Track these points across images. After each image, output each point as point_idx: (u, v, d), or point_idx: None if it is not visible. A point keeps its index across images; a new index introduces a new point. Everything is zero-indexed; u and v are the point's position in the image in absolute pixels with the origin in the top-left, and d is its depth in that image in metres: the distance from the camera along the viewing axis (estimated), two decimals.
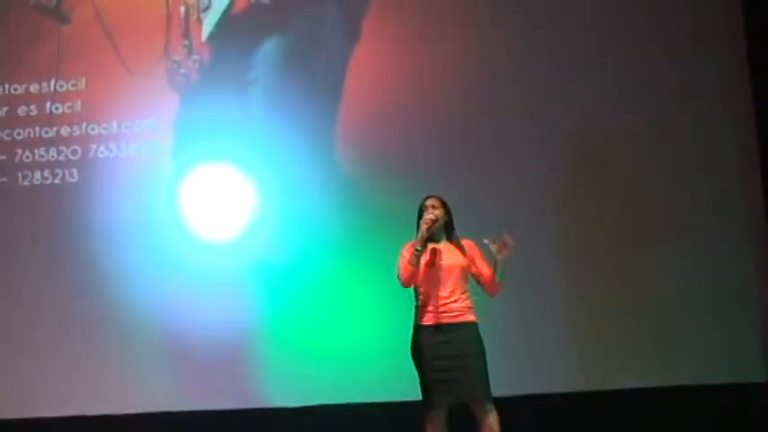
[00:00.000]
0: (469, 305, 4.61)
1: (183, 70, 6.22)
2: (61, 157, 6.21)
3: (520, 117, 5.98)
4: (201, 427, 5.82)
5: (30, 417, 5.89)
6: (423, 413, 4.52)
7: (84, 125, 6.23)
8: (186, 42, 6.23)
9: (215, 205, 6.08)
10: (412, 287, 4.62)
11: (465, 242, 4.69)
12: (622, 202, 5.87)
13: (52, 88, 6.29)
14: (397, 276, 4.59)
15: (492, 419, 4.46)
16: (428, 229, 4.54)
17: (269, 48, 6.17)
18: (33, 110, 6.30)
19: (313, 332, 5.89)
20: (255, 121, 6.11)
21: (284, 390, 5.85)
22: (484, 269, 4.65)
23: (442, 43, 6.06)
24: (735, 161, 5.89)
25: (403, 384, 5.52)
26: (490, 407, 4.47)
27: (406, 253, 4.58)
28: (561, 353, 5.71)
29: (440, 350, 4.50)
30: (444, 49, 6.05)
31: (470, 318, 4.59)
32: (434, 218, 4.58)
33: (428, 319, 4.57)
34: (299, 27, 6.20)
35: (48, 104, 6.28)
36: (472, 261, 4.65)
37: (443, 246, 4.64)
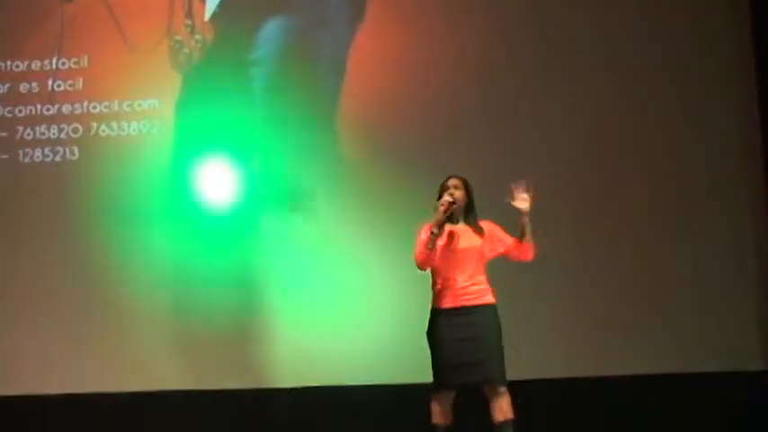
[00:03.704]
0: (488, 287, 4.53)
1: (185, 50, 6.20)
2: (62, 135, 6.20)
3: (523, 101, 5.98)
4: (205, 407, 5.82)
5: (29, 393, 5.91)
6: (430, 393, 4.47)
7: (85, 103, 6.22)
8: (189, 22, 6.21)
9: (215, 185, 6.07)
10: (429, 270, 4.54)
11: (483, 223, 4.60)
12: (625, 195, 5.88)
13: (54, 66, 6.27)
14: (414, 259, 4.51)
15: (505, 402, 4.40)
16: (444, 212, 4.44)
17: (272, 28, 6.15)
18: (35, 87, 6.28)
19: (314, 315, 5.89)
20: (258, 101, 6.10)
21: (283, 370, 5.87)
22: (506, 239, 4.55)
23: (444, 27, 6.05)
24: (737, 154, 5.89)
25: (402, 367, 5.63)
26: (503, 389, 4.41)
27: (423, 235, 4.49)
28: (564, 338, 5.71)
29: (456, 333, 4.43)
30: (447, 33, 6.05)
31: (489, 300, 4.51)
32: (452, 200, 4.48)
33: (446, 303, 4.49)
34: (302, 8, 6.19)
35: (49, 82, 6.26)
36: (490, 241, 4.55)
37: (461, 227, 4.55)
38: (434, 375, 4.48)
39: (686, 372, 5.65)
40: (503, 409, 4.40)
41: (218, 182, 6.08)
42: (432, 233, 4.41)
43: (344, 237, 5.95)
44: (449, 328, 4.45)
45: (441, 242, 4.45)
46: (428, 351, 4.53)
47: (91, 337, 5.98)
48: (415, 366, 5.46)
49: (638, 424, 5.57)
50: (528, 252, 4.55)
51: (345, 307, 5.90)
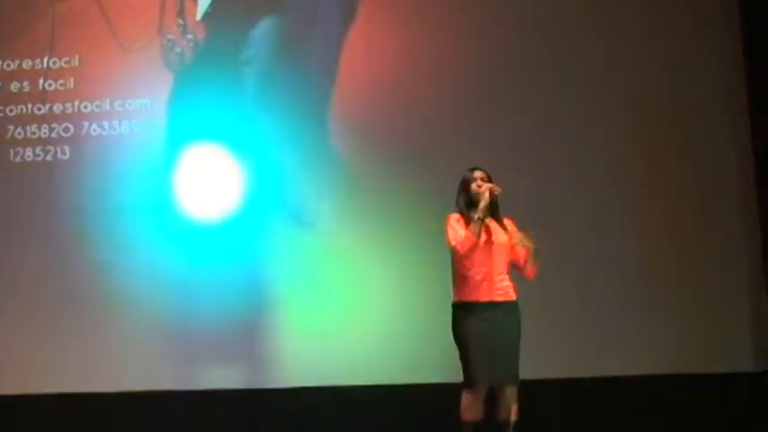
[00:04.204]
0: (513, 284, 4.54)
1: (177, 49, 6.19)
2: (53, 135, 6.18)
3: (518, 100, 5.98)
4: (203, 407, 5.79)
5: (19, 393, 5.87)
6: (462, 388, 4.43)
7: (76, 102, 6.20)
8: (181, 21, 6.20)
9: (208, 185, 6.05)
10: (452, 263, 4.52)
11: (506, 221, 4.62)
12: (613, 195, 5.88)
13: (45, 65, 6.25)
14: (452, 247, 4.45)
15: (515, 405, 4.43)
16: (490, 199, 4.44)
17: (264, 27, 6.14)
18: (26, 86, 6.25)
19: (310, 311, 5.88)
20: (249, 100, 6.09)
21: (280, 371, 5.86)
22: (520, 251, 4.56)
23: (436, 25, 6.06)
24: (729, 155, 5.91)
25: (403, 367, 5.62)
26: (514, 391, 4.43)
27: (456, 224, 4.48)
28: (556, 340, 5.69)
29: (490, 327, 4.41)
30: (438, 31, 6.05)
31: (515, 297, 4.52)
32: (498, 189, 4.46)
33: (480, 296, 4.45)
34: (294, 7, 6.18)
35: (41, 81, 6.24)
36: (511, 241, 4.55)
37: (489, 222, 4.54)
38: (467, 369, 4.42)
39: (680, 373, 5.66)
40: (514, 410, 4.43)
41: (209, 181, 6.06)
42: (478, 218, 4.41)
43: (340, 236, 5.93)
44: (482, 323, 4.42)
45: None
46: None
47: (82, 337, 5.94)
48: (413, 367, 5.51)
49: (635, 424, 5.58)
50: (530, 273, 4.56)
51: (342, 307, 5.88)
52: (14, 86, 6.26)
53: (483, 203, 4.44)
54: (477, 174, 4.57)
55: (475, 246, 4.43)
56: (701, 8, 6.04)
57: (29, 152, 6.18)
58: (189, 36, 6.19)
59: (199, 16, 6.20)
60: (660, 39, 5.97)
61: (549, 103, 5.97)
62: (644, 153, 5.89)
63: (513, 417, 4.44)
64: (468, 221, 4.48)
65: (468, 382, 4.41)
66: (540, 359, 5.56)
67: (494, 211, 4.56)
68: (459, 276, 4.53)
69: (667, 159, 5.88)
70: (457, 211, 4.58)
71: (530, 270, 4.55)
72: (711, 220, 5.86)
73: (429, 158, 5.83)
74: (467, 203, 4.55)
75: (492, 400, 4.48)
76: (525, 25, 6.05)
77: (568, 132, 5.95)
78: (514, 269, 4.61)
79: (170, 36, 6.19)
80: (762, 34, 5.89)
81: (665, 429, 5.55)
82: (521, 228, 4.60)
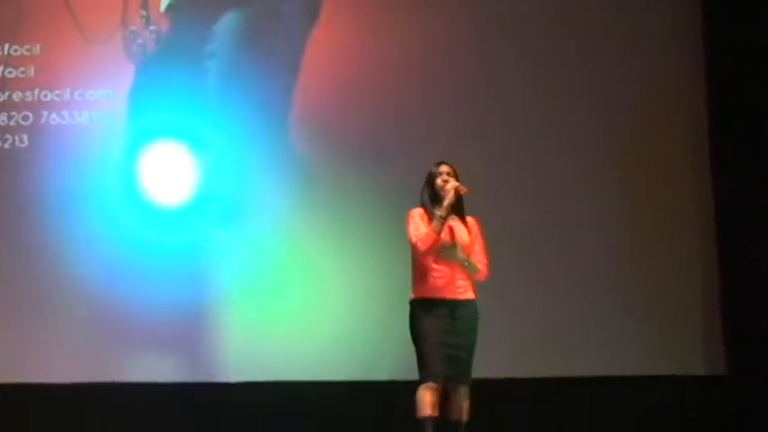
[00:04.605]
0: (473, 282, 4.49)
1: (139, 40, 6.15)
2: (12, 123, 6.11)
3: (480, 95, 6.02)
4: (156, 399, 5.74)
5: None
6: (418, 384, 4.34)
7: (36, 91, 6.15)
8: (144, 12, 6.16)
9: (167, 177, 6.02)
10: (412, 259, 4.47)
11: (470, 219, 4.56)
12: (574, 198, 5.94)
13: (6, 52, 6.18)
14: (412, 244, 4.40)
15: (467, 403, 4.39)
16: (455, 197, 4.38)
17: (228, 21, 6.12)
18: None
19: (264, 307, 5.87)
20: (211, 94, 6.07)
21: (237, 364, 5.84)
22: (476, 251, 4.52)
23: (400, 24, 6.08)
24: (686, 161, 6.01)
25: (360, 363, 5.61)
26: (467, 390, 4.40)
27: (419, 220, 4.43)
28: (516, 341, 5.73)
29: (448, 325, 4.36)
30: (402, 30, 6.07)
31: (473, 295, 4.47)
32: (460, 186, 4.39)
33: (438, 293, 4.40)
34: (258, 2, 6.17)
35: (1, 68, 6.18)
36: (472, 240, 4.51)
37: (452, 220, 4.47)
38: (424, 366, 4.35)
39: (632, 375, 5.73)
40: (466, 409, 4.39)
41: (169, 173, 6.02)
42: (441, 217, 4.35)
43: (296, 232, 5.93)
44: (440, 320, 4.36)
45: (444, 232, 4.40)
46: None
47: (37, 329, 5.88)
48: (368, 364, 5.51)
49: (590, 425, 5.64)
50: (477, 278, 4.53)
51: (297, 304, 5.87)
52: None
53: (447, 202, 4.38)
54: (444, 168, 4.51)
55: (435, 243, 4.39)
56: (666, 18, 6.12)
57: None
58: (152, 28, 6.16)
59: (162, 8, 6.17)
60: (630, 51, 6.05)
61: (515, 102, 6.01)
62: (597, 151, 5.97)
63: (465, 416, 4.40)
64: (431, 217, 4.42)
65: (425, 377, 4.33)
66: (496, 358, 5.62)
67: (458, 209, 4.51)
68: (420, 273, 4.47)
69: (624, 157, 5.96)
70: (420, 206, 4.53)
71: (475, 277, 4.52)
72: (671, 223, 5.94)
73: (391, 157, 5.85)
74: (431, 198, 4.48)
75: (444, 401, 4.43)
76: (495, 22, 6.09)
77: (537, 132, 5.99)
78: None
79: (133, 27, 6.16)
80: (724, 47, 5.97)
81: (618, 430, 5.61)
82: (481, 224, 4.58)
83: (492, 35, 6.08)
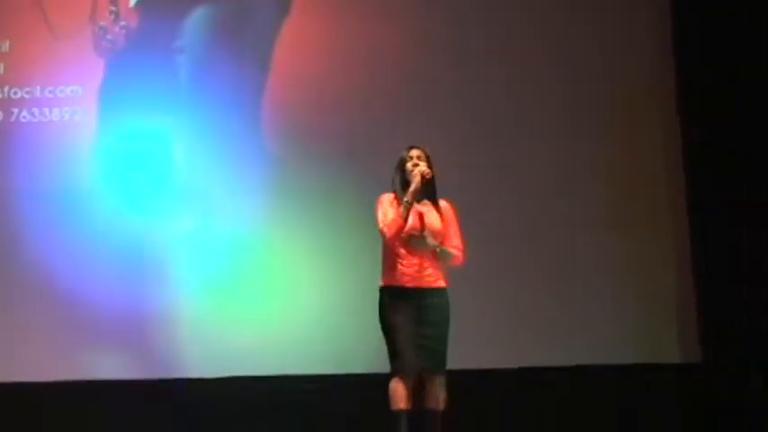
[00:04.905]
0: (444, 271, 4.41)
1: (109, 36, 6.11)
2: None
3: (450, 93, 6.02)
4: (128, 396, 5.71)
5: None
6: (390, 376, 4.27)
7: (6, 88, 6.09)
8: (113, 8, 6.12)
9: (137, 174, 5.98)
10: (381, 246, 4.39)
11: (443, 203, 4.48)
12: (547, 192, 5.96)
13: None
14: (380, 229, 4.32)
15: (443, 393, 4.31)
16: (421, 182, 4.28)
17: (198, 16, 6.10)
18: None
19: (236, 302, 5.84)
20: (182, 89, 6.04)
21: (203, 361, 5.80)
22: (452, 236, 4.42)
23: (371, 19, 6.08)
24: (659, 154, 6.05)
25: (335, 357, 5.62)
26: (442, 380, 4.31)
27: (388, 205, 4.35)
28: (492, 331, 5.73)
29: (418, 314, 4.28)
30: (372, 24, 6.08)
31: (444, 284, 4.38)
32: (428, 171, 4.32)
33: (407, 281, 4.32)
34: None
35: None
36: (446, 227, 4.42)
37: (423, 205, 4.40)
38: (395, 357, 4.27)
39: (607, 364, 5.75)
40: (443, 398, 4.32)
41: (139, 170, 5.98)
42: (406, 202, 4.27)
43: (268, 227, 5.92)
44: (411, 309, 4.29)
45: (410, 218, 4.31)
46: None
47: (2, 326, 5.84)
48: (341, 358, 5.49)
49: (559, 414, 5.65)
50: (452, 261, 4.44)
51: (269, 299, 5.86)
52: None
53: (413, 187, 4.29)
54: (414, 152, 4.42)
55: (402, 228, 4.30)
56: (636, 15, 6.18)
57: None
58: (121, 23, 6.12)
59: (132, 3, 6.13)
60: (600, 49, 6.09)
61: (486, 100, 6.02)
62: (571, 145, 6.00)
63: (441, 405, 4.32)
64: (401, 203, 4.34)
65: (396, 369, 4.26)
66: (472, 349, 5.63)
67: (431, 194, 4.45)
68: (389, 260, 4.38)
69: (596, 150, 6.00)
70: (393, 191, 4.46)
71: (447, 264, 4.44)
72: (645, 213, 5.99)
73: (361, 153, 5.85)
74: (401, 184, 4.40)
75: (419, 390, 4.37)
76: (465, 20, 6.09)
77: (507, 130, 6.00)
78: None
79: (102, 23, 6.11)
80: (694, 43, 6.02)
81: (592, 419, 5.62)
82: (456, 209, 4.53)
83: (462, 33, 6.09)
